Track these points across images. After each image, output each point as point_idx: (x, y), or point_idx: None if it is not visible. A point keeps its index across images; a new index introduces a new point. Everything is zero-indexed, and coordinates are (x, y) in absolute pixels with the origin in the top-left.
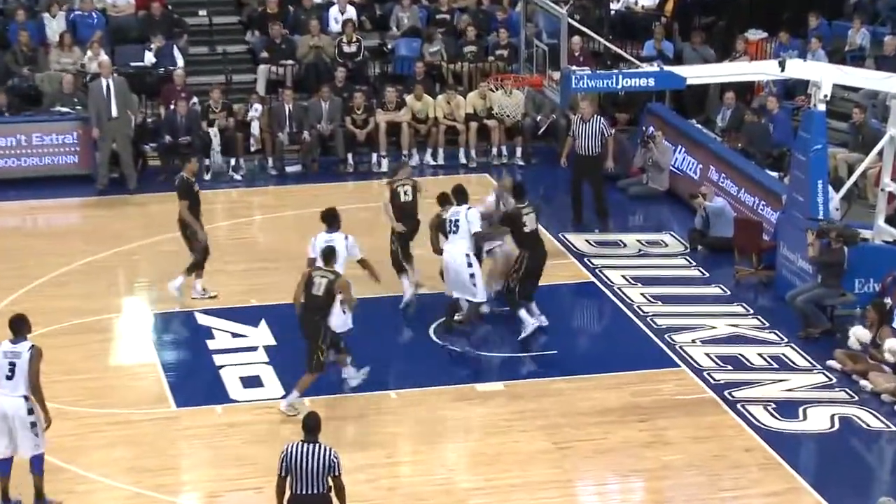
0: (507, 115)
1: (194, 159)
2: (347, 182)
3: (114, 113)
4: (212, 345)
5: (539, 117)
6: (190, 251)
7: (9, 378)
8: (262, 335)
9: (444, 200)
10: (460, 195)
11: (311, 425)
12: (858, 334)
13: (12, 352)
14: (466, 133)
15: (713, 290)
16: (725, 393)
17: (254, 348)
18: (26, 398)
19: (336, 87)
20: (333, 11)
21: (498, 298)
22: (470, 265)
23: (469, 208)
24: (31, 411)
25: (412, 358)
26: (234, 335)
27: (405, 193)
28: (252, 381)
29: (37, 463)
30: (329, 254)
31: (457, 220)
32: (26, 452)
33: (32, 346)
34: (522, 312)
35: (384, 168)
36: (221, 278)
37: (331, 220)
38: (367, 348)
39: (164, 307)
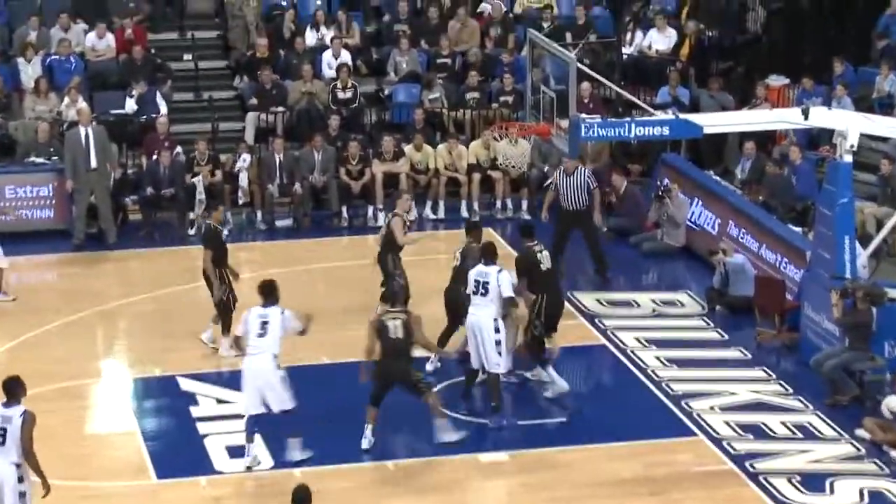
0: (513, 166)
1: (221, 207)
2: (342, 237)
3: (93, 164)
4: (195, 412)
5: (546, 168)
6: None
7: None
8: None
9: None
10: (489, 254)
11: (301, 497)
12: (891, 404)
13: (3, 416)
14: (469, 185)
15: (733, 353)
16: (746, 464)
17: (241, 416)
18: (17, 465)
19: (329, 135)
20: (327, 56)
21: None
22: (497, 331)
23: (500, 270)
24: (21, 479)
25: (410, 424)
26: (220, 401)
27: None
28: (239, 451)
29: None
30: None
31: (486, 283)
32: None
33: (25, 410)
34: (551, 370)
35: (381, 222)
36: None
37: (268, 292)
38: (360, 413)
39: (144, 371)
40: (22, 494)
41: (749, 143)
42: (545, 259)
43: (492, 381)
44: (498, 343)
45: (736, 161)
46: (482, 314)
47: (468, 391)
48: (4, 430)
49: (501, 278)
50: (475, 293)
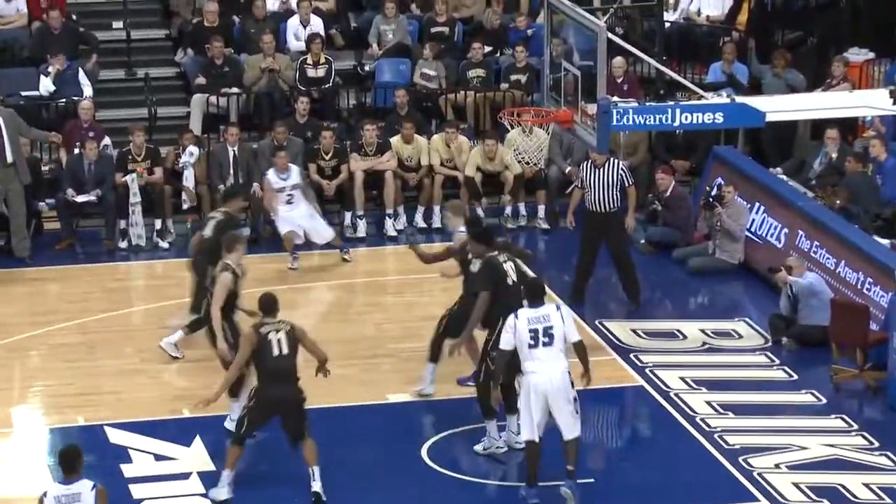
0: (527, 162)
1: (240, 195)
2: (312, 252)
3: (8, 157)
4: (128, 471)
5: (568, 166)
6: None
7: None
8: (195, 457)
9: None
10: (538, 293)
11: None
12: None
13: (68, 495)
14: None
15: (803, 397)
16: None
17: (185, 475)
18: None
19: (297, 123)
20: (293, 23)
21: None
22: (572, 384)
23: (559, 307)
24: None
25: (399, 484)
26: (159, 457)
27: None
28: None
29: None
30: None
31: (549, 328)
32: None
33: (95, 485)
34: (492, 424)
35: (360, 233)
36: (143, 380)
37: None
38: (344, 467)
39: (63, 420)
40: None
41: (832, 132)
42: (511, 271)
43: (574, 447)
44: (575, 400)
45: (809, 154)
46: (553, 371)
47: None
48: None
49: (565, 316)
50: (533, 346)
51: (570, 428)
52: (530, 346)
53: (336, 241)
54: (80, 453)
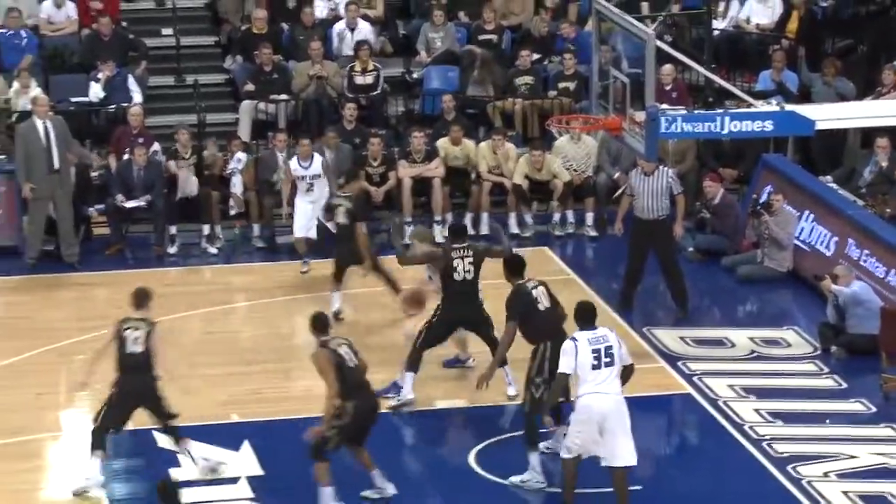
0: (575, 170)
1: (360, 177)
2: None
3: (55, 164)
4: (177, 475)
5: (617, 173)
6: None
7: None
8: (244, 462)
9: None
10: (589, 314)
11: None
12: None
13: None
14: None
15: (852, 406)
16: None
17: (233, 480)
18: None
19: (345, 130)
20: (340, 29)
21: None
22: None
23: (612, 329)
24: None
25: (446, 495)
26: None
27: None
28: None
29: None
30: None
31: (609, 348)
32: None
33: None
34: (409, 377)
35: (408, 239)
36: (191, 384)
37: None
38: (390, 473)
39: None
40: None
41: (882, 140)
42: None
43: (626, 478)
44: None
45: (859, 163)
46: (613, 393)
47: None
48: None
49: (620, 339)
50: (597, 367)
51: (626, 455)
52: (594, 367)
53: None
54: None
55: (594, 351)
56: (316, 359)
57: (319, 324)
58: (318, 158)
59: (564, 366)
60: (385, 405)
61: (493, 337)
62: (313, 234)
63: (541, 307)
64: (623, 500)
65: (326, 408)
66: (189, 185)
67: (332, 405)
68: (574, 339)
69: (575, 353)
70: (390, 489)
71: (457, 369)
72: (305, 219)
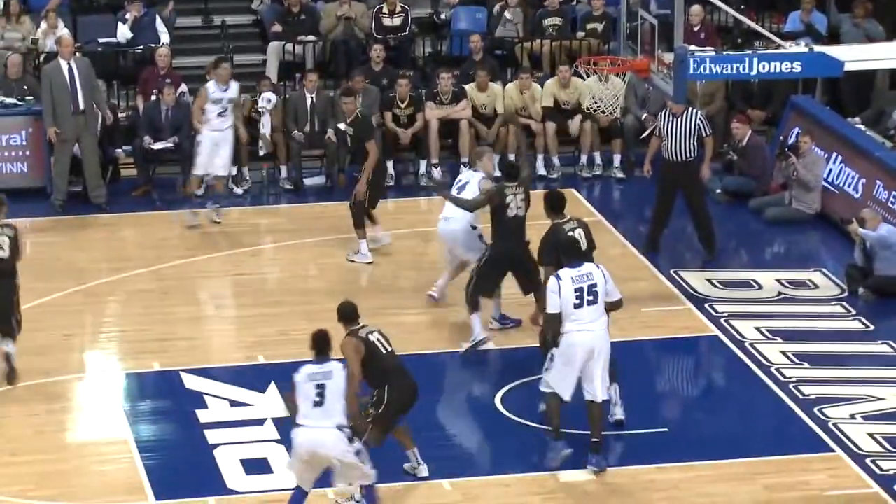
0: (602, 111)
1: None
2: (386, 199)
3: (80, 105)
4: (203, 416)
5: (644, 115)
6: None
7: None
8: (270, 404)
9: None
10: (575, 251)
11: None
12: None
13: (321, 372)
14: (544, 134)
15: (879, 347)
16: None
17: (260, 421)
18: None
19: (372, 71)
20: None
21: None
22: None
23: (599, 265)
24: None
25: (472, 435)
26: (234, 403)
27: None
28: (257, 466)
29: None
30: None
31: (593, 286)
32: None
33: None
34: (475, 318)
35: (434, 177)
36: (218, 326)
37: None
38: (412, 418)
39: (139, 365)
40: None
41: None
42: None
43: (599, 413)
44: (613, 363)
45: (888, 104)
46: (597, 328)
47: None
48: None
49: (606, 273)
50: (579, 305)
51: (600, 390)
52: (576, 306)
53: (220, 188)
54: (328, 338)
55: (577, 290)
56: (343, 347)
57: (347, 313)
58: (235, 85)
59: (551, 306)
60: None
61: (536, 280)
62: (221, 171)
63: (581, 247)
64: (597, 431)
65: (350, 398)
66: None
67: (356, 401)
68: (558, 276)
69: (559, 291)
70: (424, 470)
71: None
72: (207, 154)
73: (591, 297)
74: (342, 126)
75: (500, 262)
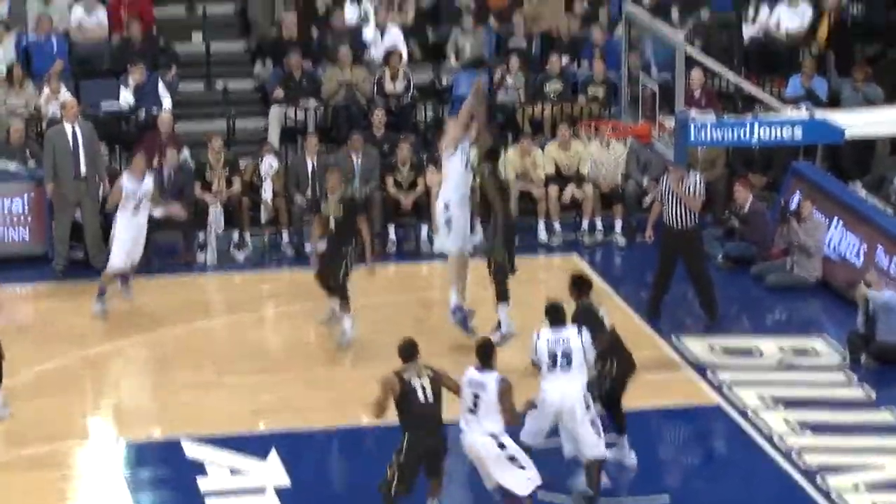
0: (604, 176)
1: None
2: (388, 264)
3: (81, 170)
4: (204, 484)
5: (646, 180)
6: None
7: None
8: (271, 472)
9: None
10: (558, 315)
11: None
12: None
13: (478, 381)
14: (546, 199)
15: (882, 416)
16: None
17: (260, 490)
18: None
19: (373, 136)
20: (370, 34)
21: None
22: (588, 407)
23: (579, 331)
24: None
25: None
26: (234, 472)
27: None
28: None
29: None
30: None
31: (568, 351)
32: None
33: (503, 378)
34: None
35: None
36: (219, 393)
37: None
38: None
39: (140, 433)
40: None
41: None
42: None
43: (594, 468)
44: (593, 422)
45: (889, 170)
46: (570, 390)
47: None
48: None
49: (585, 339)
50: (552, 367)
51: (591, 446)
52: (549, 367)
53: (131, 273)
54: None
55: (551, 353)
56: (380, 381)
57: (400, 351)
58: (150, 178)
59: (531, 354)
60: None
61: None
62: (137, 257)
63: (606, 323)
64: (595, 489)
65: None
66: (217, 222)
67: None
68: (538, 335)
69: (535, 350)
70: None
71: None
72: (125, 250)
73: (563, 361)
74: (331, 214)
75: None
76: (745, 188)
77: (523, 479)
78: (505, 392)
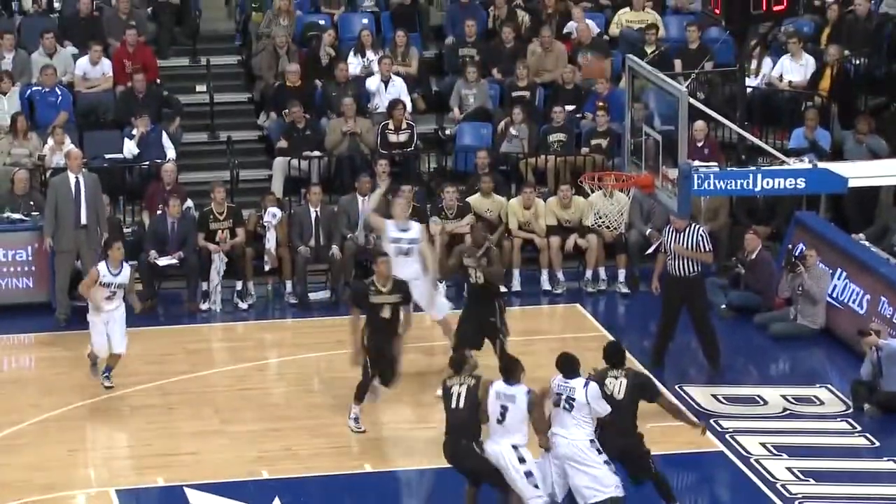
0: (607, 226)
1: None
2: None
3: (83, 219)
4: None
5: (649, 230)
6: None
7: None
8: None
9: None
10: (572, 366)
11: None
12: None
13: (507, 394)
14: (549, 249)
15: (886, 465)
16: None
17: None
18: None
19: (377, 187)
20: (374, 85)
21: None
22: (600, 451)
23: (587, 384)
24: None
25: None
26: None
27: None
28: None
29: None
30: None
31: (571, 398)
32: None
33: (529, 390)
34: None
35: (442, 295)
36: (222, 441)
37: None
38: None
39: (143, 480)
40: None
41: None
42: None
43: None
44: (602, 463)
45: (893, 220)
46: (571, 438)
47: None
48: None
49: (591, 392)
50: (556, 406)
51: (592, 490)
52: (555, 406)
53: (114, 362)
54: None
55: (557, 394)
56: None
57: (450, 362)
58: (127, 268)
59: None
60: None
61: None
62: (119, 349)
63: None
64: None
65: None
66: (218, 271)
67: None
68: (553, 379)
69: (551, 393)
70: None
71: None
72: (102, 341)
73: (566, 406)
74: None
75: None
76: (755, 235)
77: (533, 496)
78: (535, 403)
